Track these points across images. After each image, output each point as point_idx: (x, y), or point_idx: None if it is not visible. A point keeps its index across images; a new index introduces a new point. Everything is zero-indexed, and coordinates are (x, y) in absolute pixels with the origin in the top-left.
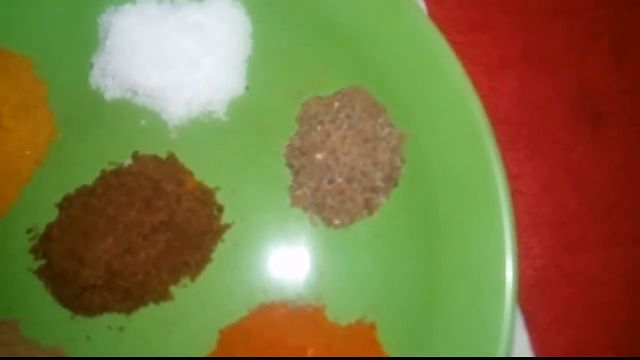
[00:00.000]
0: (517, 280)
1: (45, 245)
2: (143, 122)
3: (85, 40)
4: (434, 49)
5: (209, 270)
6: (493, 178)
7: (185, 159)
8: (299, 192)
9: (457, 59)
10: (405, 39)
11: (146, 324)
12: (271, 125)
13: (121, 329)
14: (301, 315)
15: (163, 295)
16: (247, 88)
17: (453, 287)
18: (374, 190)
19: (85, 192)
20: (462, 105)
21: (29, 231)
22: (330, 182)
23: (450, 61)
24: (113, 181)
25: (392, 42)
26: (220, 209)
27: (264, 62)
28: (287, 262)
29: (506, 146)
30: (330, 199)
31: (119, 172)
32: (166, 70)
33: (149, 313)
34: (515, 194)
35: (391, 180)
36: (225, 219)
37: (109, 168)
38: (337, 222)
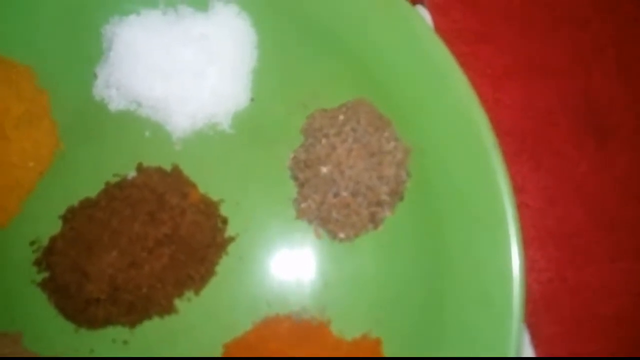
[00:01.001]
0: (524, 293)
1: (48, 257)
2: (147, 134)
3: (89, 51)
4: (439, 61)
5: (213, 283)
6: (499, 192)
7: (190, 171)
8: (303, 205)
9: (462, 72)
10: (410, 51)
11: (150, 338)
12: (276, 137)
13: (125, 342)
14: (305, 328)
15: (167, 309)
16: (252, 100)
17: (458, 301)
18: (379, 204)
19: (88, 205)
20: (467, 118)
21: (32, 243)
22: (335, 195)
23: (455, 74)
24: (117, 193)
25: (397, 55)
26: (225, 221)
27: (269, 73)
28: (291, 274)
29: (510, 158)
30: (335, 212)
31: (122, 184)
32: (170, 82)
33: (153, 326)
34: (520, 207)
35: (396, 194)
36: (230, 231)
37: (113, 180)
38: (342, 235)
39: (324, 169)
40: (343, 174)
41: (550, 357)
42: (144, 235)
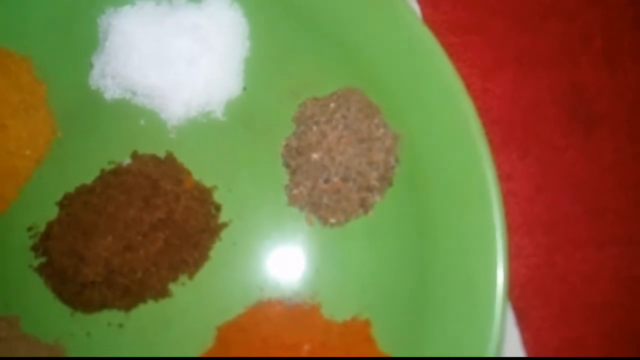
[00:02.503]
0: (507, 277)
1: (45, 242)
2: (142, 122)
3: (85, 41)
4: (427, 51)
5: (207, 267)
6: (484, 178)
7: (184, 158)
8: (295, 191)
9: (449, 61)
10: (398, 41)
11: (145, 321)
12: (268, 125)
13: (120, 325)
14: (297, 312)
15: (161, 292)
16: (245, 88)
17: (445, 284)
18: (369, 189)
19: (84, 191)
20: (453, 106)
21: (30, 229)
22: (326, 181)
23: (442, 63)
24: (112, 180)
25: (386, 45)
26: (218, 208)
27: (261, 63)
28: (283, 260)
29: (498, 147)
30: (326, 198)
31: (118, 171)
32: (164, 71)
33: (147, 310)
34: (508, 195)
35: (386, 180)
36: (223, 217)
37: (108, 167)
38: (332, 220)
39: (315, 156)
40: (334, 160)
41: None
42: (139, 220)
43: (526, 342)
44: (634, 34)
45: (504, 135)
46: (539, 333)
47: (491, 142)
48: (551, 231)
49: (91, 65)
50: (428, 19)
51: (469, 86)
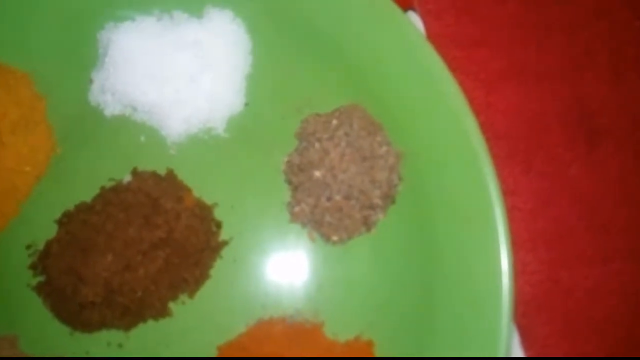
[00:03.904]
0: (513, 296)
1: (44, 261)
2: (142, 138)
3: (85, 57)
4: (429, 68)
5: (208, 286)
6: (488, 195)
7: (184, 175)
8: (297, 209)
9: (452, 77)
10: (401, 58)
11: (145, 340)
12: (270, 142)
13: (120, 345)
14: (299, 331)
15: (162, 312)
16: (246, 104)
17: (449, 302)
18: (372, 207)
19: (84, 209)
20: (456, 123)
21: (28, 247)
22: (328, 199)
23: (445, 80)
24: (112, 198)
25: (389, 62)
26: (219, 225)
27: (263, 79)
28: (285, 278)
29: (502, 161)
30: (328, 216)
31: (117, 189)
32: (165, 87)
33: (147, 329)
34: (512, 210)
35: (389, 198)
36: (224, 234)
37: (108, 184)
38: (335, 238)
39: (317, 173)
40: (336, 177)
41: (542, 357)
42: (138, 239)
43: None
44: (638, 47)
45: (508, 149)
46: (543, 350)
47: (495, 156)
48: (555, 247)
49: (91, 81)
50: (432, 33)
51: (472, 100)
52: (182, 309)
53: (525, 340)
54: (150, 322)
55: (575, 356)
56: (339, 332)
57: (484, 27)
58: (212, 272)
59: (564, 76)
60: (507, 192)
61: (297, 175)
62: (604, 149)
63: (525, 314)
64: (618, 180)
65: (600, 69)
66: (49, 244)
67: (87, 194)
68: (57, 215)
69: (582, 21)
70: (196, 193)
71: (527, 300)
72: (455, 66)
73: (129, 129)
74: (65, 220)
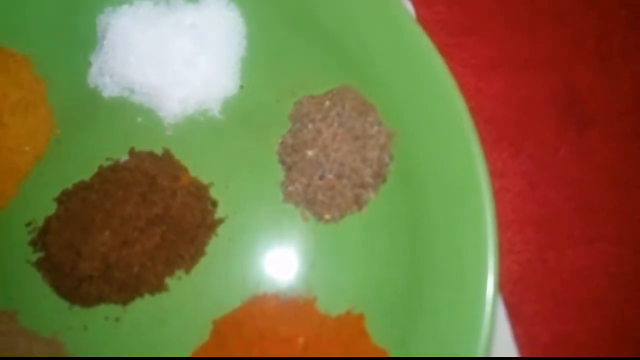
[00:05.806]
0: (498, 272)
1: (43, 237)
2: (139, 120)
3: (84, 40)
4: (420, 50)
5: (203, 263)
6: (476, 173)
7: (180, 155)
8: (290, 188)
9: (442, 60)
10: (393, 41)
11: (141, 315)
12: (264, 123)
13: (117, 319)
14: (292, 306)
15: (158, 287)
16: (241, 87)
17: (437, 278)
18: (363, 185)
19: (82, 187)
20: (446, 104)
21: (28, 224)
22: (321, 178)
23: (435, 62)
24: (110, 176)
25: (381, 44)
26: (214, 204)
27: (257, 62)
28: (279, 255)
29: (491, 144)
30: (321, 195)
31: (115, 168)
32: (162, 70)
33: (144, 304)
34: (500, 191)
35: (380, 176)
36: (219, 213)
37: (106, 163)
38: (327, 216)
39: (310, 152)
40: (328, 156)
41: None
42: (136, 216)
43: (518, 337)
44: (626, 35)
45: (497, 133)
46: (530, 328)
47: (484, 140)
48: (543, 228)
49: (90, 64)
50: (422, 19)
51: (462, 86)
52: (178, 284)
53: (513, 317)
54: (147, 297)
55: (563, 335)
56: (331, 306)
57: (473, 14)
58: (208, 249)
59: (553, 63)
60: (496, 174)
61: (290, 155)
62: (591, 133)
63: (513, 292)
64: (606, 164)
65: (588, 56)
66: (48, 221)
67: (85, 173)
68: (56, 193)
69: (570, 9)
70: (192, 172)
71: (515, 279)
72: (445, 53)
73: (126, 110)
74: (64, 198)
